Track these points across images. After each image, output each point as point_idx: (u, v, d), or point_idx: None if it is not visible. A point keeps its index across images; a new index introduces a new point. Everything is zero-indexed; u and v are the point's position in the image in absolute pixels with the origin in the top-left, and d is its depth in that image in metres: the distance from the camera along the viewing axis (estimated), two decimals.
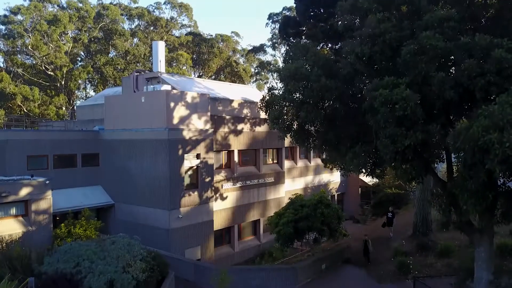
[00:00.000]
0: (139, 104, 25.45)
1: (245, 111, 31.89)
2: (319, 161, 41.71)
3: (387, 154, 11.13)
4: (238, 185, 30.54)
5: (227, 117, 29.52)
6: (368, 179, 46.40)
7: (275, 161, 35.36)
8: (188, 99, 25.30)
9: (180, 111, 24.83)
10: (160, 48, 30.70)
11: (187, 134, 25.06)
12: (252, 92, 37.17)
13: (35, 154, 25.09)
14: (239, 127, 30.50)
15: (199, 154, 25.95)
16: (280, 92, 15.03)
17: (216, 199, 28.54)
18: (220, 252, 28.48)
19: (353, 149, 12.74)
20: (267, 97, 15.28)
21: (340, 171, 18.60)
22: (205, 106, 26.49)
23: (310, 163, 40.50)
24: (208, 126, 26.66)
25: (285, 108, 14.96)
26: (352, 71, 13.12)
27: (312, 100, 13.06)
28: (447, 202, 13.33)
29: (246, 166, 32.14)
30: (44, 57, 48.99)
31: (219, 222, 28.61)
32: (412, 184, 25.13)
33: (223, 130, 29.09)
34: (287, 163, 36.95)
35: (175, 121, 24.56)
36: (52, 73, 51.14)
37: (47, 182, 22.82)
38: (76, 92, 54.70)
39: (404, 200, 36.63)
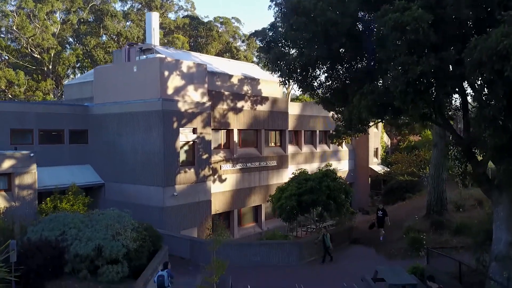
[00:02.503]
0: (131, 74, 25.45)
1: (246, 88, 31.87)
2: (325, 147, 41.73)
3: (397, 87, 11.00)
4: (238, 167, 30.48)
5: (226, 93, 29.48)
6: (378, 168, 46.41)
7: (278, 144, 35.31)
8: (184, 68, 25.28)
9: (175, 81, 24.81)
10: (154, 19, 30.72)
11: (182, 106, 25.03)
12: (254, 69, 37.15)
13: (19, 128, 25.10)
14: (239, 104, 30.45)
15: (196, 128, 25.91)
16: (283, 30, 14.83)
17: (214, 181, 28.48)
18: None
19: (361, 90, 12.62)
20: (268, 37, 15.15)
21: (348, 130, 18.41)
22: (202, 77, 26.47)
23: (316, 149, 40.46)
24: (205, 99, 26.63)
25: (287, 48, 14.84)
26: (361, 2, 12.88)
27: (317, 36, 12.90)
28: (463, 152, 13.19)
29: (247, 148, 32.08)
30: (30, 39, 49.09)
31: (217, 206, 28.54)
32: (423, 129, 24.37)
33: (222, 107, 29.04)
34: (291, 148, 36.89)
35: (170, 91, 24.54)
36: (38, 56, 51.25)
37: (32, 155, 22.85)
38: (64, 77, 54.76)
39: (417, 187, 36.55)
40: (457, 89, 12.74)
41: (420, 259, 19.17)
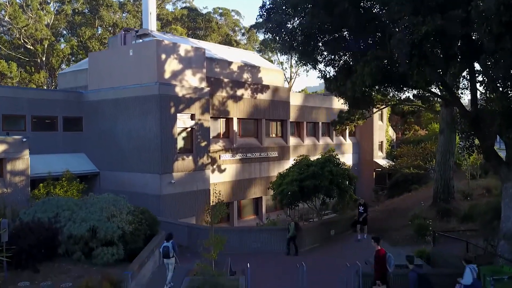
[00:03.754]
0: (127, 58, 25.48)
1: (246, 75, 31.88)
2: (328, 140, 41.75)
3: (402, 49, 10.96)
4: (237, 157, 30.50)
5: (225, 80, 29.50)
6: (383, 162, 46.37)
7: (279, 135, 35.34)
8: (182, 52, 25.30)
9: (172, 65, 24.83)
10: (151, 3, 30.73)
11: (180, 91, 25.05)
12: (254, 57, 37.17)
13: (12, 114, 25.16)
14: (239, 92, 30.47)
15: (194, 114, 25.92)
16: None
17: (213, 171, 28.48)
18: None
19: (365, 57, 12.58)
20: (268, 4, 15.13)
21: (352, 109, 18.35)
22: (201, 61, 26.49)
23: (319, 141, 40.49)
24: (203, 84, 26.64)
25: (288, 17, 14.78)
26: None
27: (319, 1, 12.85)
28: (470, 124, 13.16)
29: (247, 138, 32.12)
30: (23, 29, 49.16)
31: (216, 197, 28.47)
32: (429, 105, 24.14)
33: (221, 94, 29.06)
34: (293, 140, 36.91)
35: (167, 75, 24.56)
36: (32, 48, 51.32)
37: (24, 140, 22.85)
38: (58, 69, 54.80)
39: (423, 179, 36.45)
40: (462, 53, 12.68)
41: (426, 244, 19.12)
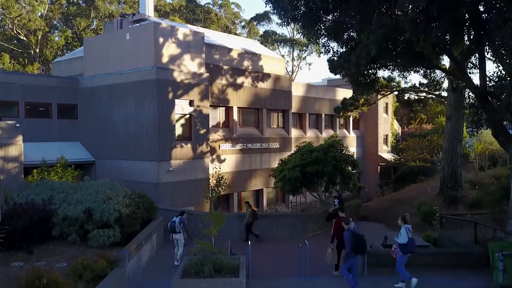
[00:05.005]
0: (124, 43, 25.51)
1: (246, 63, 31.89)
2: (331, 132, 41.64)
3: (407, 15, 10.93)
4: (237, 147, 30.50)
5: (225, 67, 29.52)
6: (388, 156, 46.39)
7: (280, 126, 35.35)
8: (180, 35, 25.33)
9: (170, 49, 24.86)
10: None
11: (178, 76, 25.07)
12: (255, 45, 37.19)
13: (4, 100, 25.18)
14: (239, 80, 30.49)
15: (192, 101, 25.95)
16: None
17: (212, 161, 28.49)
18: None
19: (369, 26, 12.56)
20: None
21: (355, 86, 18.28)
22: (199, 46, 26.52)
23: (322, 134, 40.48)
24: (202, 69, 26.67)
25: None
26: None
27: None
28: (478, 99, 13.16)
29: (247, 127, 32.13)
30: (16, 19, 49.25)
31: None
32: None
33: (220, 82, 29.08)
34: (295, 132, 36.93)
35: (165, 59, 24.59)
36: (25, 39, 51.41)
37: (18, 125, 22.83)
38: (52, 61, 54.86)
39: (430, 172, 36.50)
40: (470, 16, 12.64)
41: (433, 230, 19.14)
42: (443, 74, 22.38)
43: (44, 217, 15.79)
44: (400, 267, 12.55)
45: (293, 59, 66.95)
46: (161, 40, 24.42)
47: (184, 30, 25.72)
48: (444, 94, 27.14)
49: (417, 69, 18.40)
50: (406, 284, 12.47)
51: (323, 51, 17.45)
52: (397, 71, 18.14)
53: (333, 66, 18.38)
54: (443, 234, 17.39)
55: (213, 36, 33.08)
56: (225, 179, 14.76)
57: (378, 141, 46.30)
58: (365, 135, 46.81)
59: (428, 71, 20.61)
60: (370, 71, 15.62)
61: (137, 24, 26.86)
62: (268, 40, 64.09)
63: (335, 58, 16.42)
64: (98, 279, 12.33)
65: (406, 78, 19.99)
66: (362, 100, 25.28)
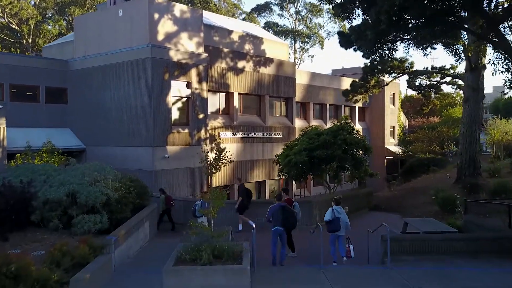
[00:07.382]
0: (116, 20, 23.91)
1: (247, 46, 30.25)
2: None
3: None
4: (238, 136, 28.92)
5: (225, 50, 27.91)
6: (395, 149, 44.74)
7: (283, 114, 33.77)
8: (177, 12, 23.72)
9: (166, 26, 23.23)
10: None
11: (174, 55, 23.44)
12: (256, 29, 35.61)
13: None
14: (240, 64, 28.90)
15: (190, 83, 24.32)
16: None
17: (211, 149, 26.82)
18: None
19: None
20: None
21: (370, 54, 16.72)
22: (197, 24, 24.89)
23: (326, 125, 38.74)
24: (200, 50, 25.04)
25: None
26: None
27: None
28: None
29: (249, 115, 30.55)
30: (7, 7, 47.60)
31: (215, 179, 26.85)
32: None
33: (220, 65, 27.48)
34: (298, 122, 35.34)
35: (160, 37, 22.97)
36: (17, 28, 49.77)
37: (1, 107, 21.22)
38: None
39: (441, 164, 34.81)
40: None
41: (455, 218, 17.50)
42: (466, 46, 20.70)
43: (22, 200, 14.11)
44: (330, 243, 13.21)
45: (295, 51, 65.34)
46: (156, 16, 22.79)
47: (181, 6, 24.17)
48: (460, 75, 25.53)
49: (441, 37, 16.72)
50: None
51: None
52: (415, 42, 16.51)
53: (345, 39, 16.78)
54: (469, 220, 15.76)
55: (213, 18, 31.49)
56: (227, 151, 12.92)
57: (385, 133, 44.71)
58: (371, 127, 45.22)
59: (452, 39, 18.90)
60: (388, 37, 13.99)
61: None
62: (269, 31, 62.44)
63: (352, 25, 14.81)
64: (78, 267, 10.70)
65: (425, 50, 18.28)
66: (373, 81, 23.61)
